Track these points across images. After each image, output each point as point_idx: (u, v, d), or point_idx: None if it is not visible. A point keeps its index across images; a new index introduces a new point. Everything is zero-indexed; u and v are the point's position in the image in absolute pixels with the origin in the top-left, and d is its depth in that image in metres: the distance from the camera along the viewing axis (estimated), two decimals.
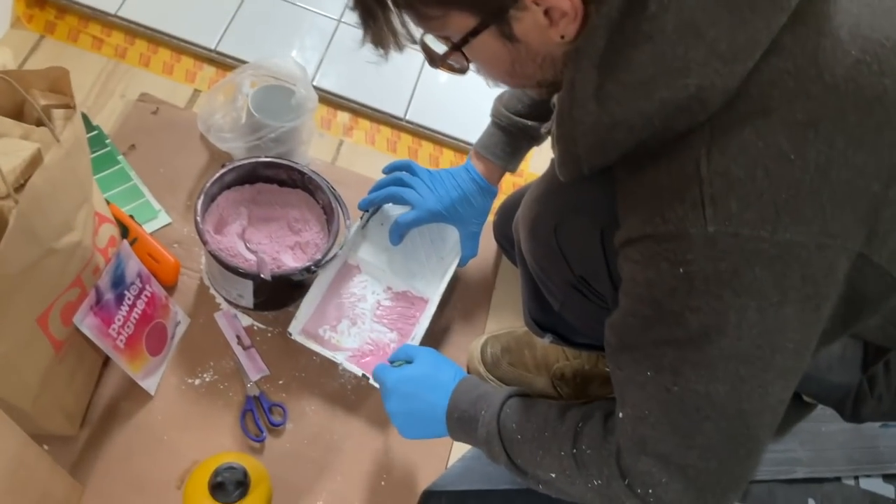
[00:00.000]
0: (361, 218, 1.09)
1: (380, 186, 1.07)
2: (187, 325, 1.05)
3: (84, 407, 0.94)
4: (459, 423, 0.80)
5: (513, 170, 1.05)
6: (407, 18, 0.61)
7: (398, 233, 1.05)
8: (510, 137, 1.02)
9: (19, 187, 0.71)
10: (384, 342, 1.07)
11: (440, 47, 0.65)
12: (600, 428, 0.69)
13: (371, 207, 1.09)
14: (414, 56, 1.41)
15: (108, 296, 0.88)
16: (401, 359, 0.89)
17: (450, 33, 0.62)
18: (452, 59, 0.65)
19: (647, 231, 0.59)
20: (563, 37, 0.59)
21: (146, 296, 0.95)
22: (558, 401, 0.80)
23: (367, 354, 1.06)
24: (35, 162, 0.74)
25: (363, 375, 0.99)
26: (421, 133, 1.34)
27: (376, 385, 0.93)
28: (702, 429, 0.60)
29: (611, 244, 0.66)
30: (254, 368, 1.03)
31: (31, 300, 0.75)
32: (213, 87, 1.17)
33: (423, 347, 0.90)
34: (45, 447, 0.91)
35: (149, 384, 0.97)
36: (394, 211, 1.11)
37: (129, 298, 0.92)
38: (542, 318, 0.95)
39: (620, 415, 0.65)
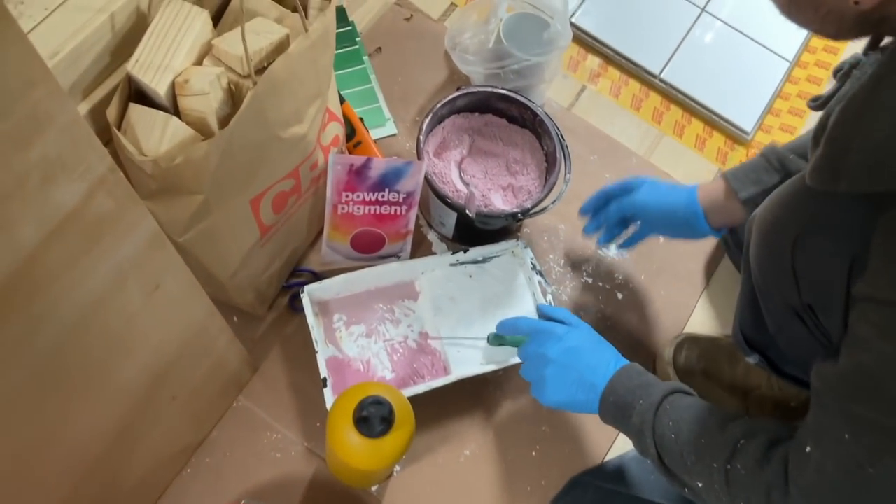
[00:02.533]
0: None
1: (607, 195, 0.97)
2: (401, 262, 0.98)
3: (275, 293, 0.97)
4: (615, 406, 0.76)
5: (743, 198, 0.86)
6: None
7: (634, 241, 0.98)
8: (765, 163, 0.87)
9: (261, 70, 0.72)
10: (376, 375, 0.91)
11: None
12: (761, 453, 0.63)
13: (596, 223, 0.97)
14: (686, 9, 1.29)
15: (372, 174, 0.89)
16: (556, 318, 0.85)
17: None
18: None
19: None
20: (856, 2, 0.48)
21: (395, 211, 0.93)
22: (722, 408, 0.71)
23: (348, 371, 0.90)
24: (281, 48, 0.74)
25: (323, 379, 0.85)
26: (672, 96, 1.21)
27: (495, 341, 0.87)
28: None
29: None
30: None
31: (249, 181, 0.77)
32: (469, 5, 1.12)
33: (579, 319, 0.86)
34: (235, 319, 0.96)
35: (327, 257, 0.97)
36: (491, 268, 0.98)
37: (381, 194, 0.91)
38: (754, 335, 0.84)
39: (808, 449, 0.59)
